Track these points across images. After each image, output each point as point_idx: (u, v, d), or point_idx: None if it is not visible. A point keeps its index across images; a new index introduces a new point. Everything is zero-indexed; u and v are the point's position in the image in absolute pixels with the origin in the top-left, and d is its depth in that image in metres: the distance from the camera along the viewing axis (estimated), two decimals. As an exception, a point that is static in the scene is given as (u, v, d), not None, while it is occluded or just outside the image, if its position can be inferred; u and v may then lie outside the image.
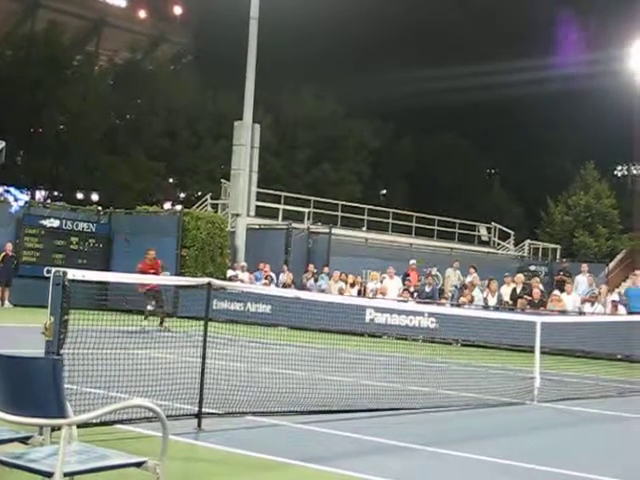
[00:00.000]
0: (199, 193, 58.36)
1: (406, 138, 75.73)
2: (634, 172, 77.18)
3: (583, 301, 28.13)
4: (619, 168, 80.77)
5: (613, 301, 27.09)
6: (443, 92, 68.56)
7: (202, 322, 10.39)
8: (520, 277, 30.57)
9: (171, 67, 75.73)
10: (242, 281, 31.67)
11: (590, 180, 61.23)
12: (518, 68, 62.64)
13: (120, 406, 6.17)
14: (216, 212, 40.69)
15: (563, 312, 26.38)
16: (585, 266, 32.51)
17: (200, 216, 36.57)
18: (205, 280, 10.70)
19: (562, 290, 29.12)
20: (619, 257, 49.09)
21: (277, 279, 33.69)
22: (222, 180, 44.30)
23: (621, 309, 26.51)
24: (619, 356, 24.55)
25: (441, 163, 75.60)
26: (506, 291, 29.45)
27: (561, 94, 67.95)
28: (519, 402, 14.28)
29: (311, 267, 34.48)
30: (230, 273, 34.06)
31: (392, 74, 69.34)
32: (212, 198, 44.27)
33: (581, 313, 26.41)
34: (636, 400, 16.33)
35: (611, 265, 46.42)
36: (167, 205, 61.36)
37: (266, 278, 33.32)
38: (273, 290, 25.51)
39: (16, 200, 43.81)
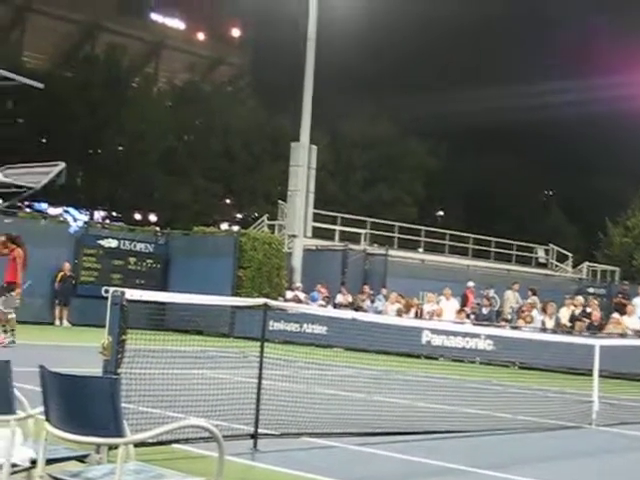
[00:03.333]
0: (256, 214, 58.60)
1: (463, 158, 75.44)
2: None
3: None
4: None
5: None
6: (500, 112, 68.26)
7: (258, 343, 10.40)
8: (579, 299, 30.30)
9: (229, 88, 76.16)
10: (301, 302, 31.70)
11: (650, 202, 60.48)
12: (577, 87, 62.28)
13: (177, 426, 6.20)
14: (273, 233, 40.76)
15: (622, 335, 26.07)
16: (640, 288, 32.14)
17: (257, 237, 36.66)
18: (261, 301, 10.73)
19: (621, 313, 28.80)
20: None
21: (334, 300, 33.66)
22: (279, 201, 44.43)
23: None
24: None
25: (498, 184, 75.21)
26: (565, 313, 29.20)
27: (621, 114, 67.31)
28: (577, 426, 14.13)
29: (367, 288, 34.40)
30: (289, 294, 34.10)
31: (448, 94, 69.19)
32: (269, 219, 44.41)
33: (641, 336, 26.09)
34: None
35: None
36: (224, 226, 61.66)
37: (323, 299, 33.32)
38: (330, 311, 25.49)
39: (75, 220, 44.19)
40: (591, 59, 68.63)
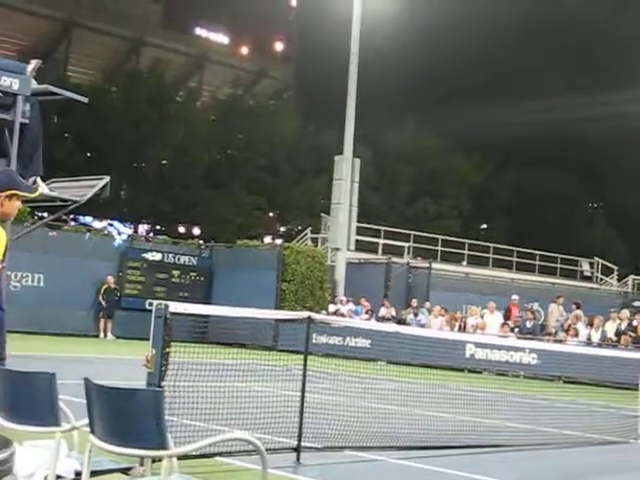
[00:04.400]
0: (299, 227, 58.70)
1: (508, 171, 75.10)
2: None
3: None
4: None
5: None
6: (546, 124, 68.01)
7: (301, 356, 10.41)
8: (625, 313, 30.06)
9: (272, 102, 76.35)
10: (343, 315, 31.69)
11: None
12: (624, 99, 61.88)
13: (220, 439, 6.21)
14: (316, 246, 40.81)
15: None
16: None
17: (300, 250, 36.74)
18: (305, 314, 10.74)
19: (667, 327, 28.55)
20: None
21: (376, 313, 33.61)
22: (322, 214, 44.48)
23: None
24: None
25: (543, 197, 74.76)
26: (610, 327, 28.98)
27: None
28: (623, 441, 14.00)
29: (413, 302, 34.30)
30: (332, 307, 34.10)
31: (493, 107, 68.99)
32: (312, 232, 44.48)
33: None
34: None
35: None
36: (267, 239, 61.78)
37: (366, 312, 33.30)
38: (373, 324, 25.47)
39: (119, 234, 44.51)
40: None
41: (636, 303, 37.98)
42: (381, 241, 43.82)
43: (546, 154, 74.29)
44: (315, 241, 43.09)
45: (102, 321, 33.67)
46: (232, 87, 75.04)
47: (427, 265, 39.25)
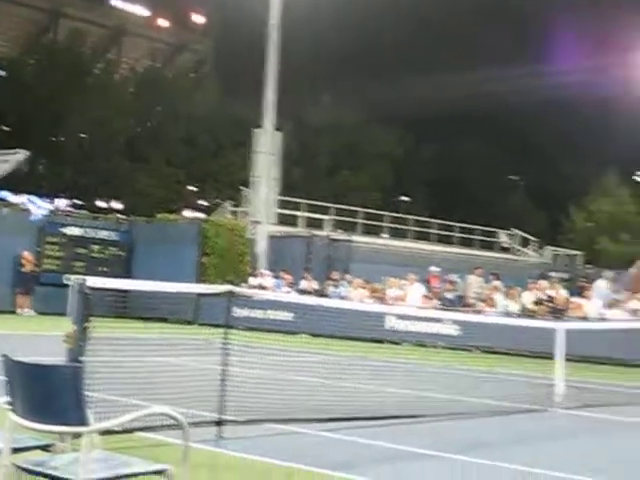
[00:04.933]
0: (219, 201, 58.50)
1: (428, 144, 75.62)
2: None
3: (604, 307, 27.97)
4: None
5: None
6: (464, 98, 68.43)
7: (222, 329, 10.39)
8: (542, 283, 30.47)
9: (191, 75, 75.81)
10: (264, 288, 31.66)
11: (611, 186, 61.03)
12: (540, 73, 62.55)
13: (141, 414, 6.18)
14: (236, 219, 40.70)
15: (585, 318, 26.26)
16: (608, 272, 32.26)
17: (220, 223, 36.63)
18: (226, 287, 10.71)
19: (583, 296, 29.00)
20: (640, 263, 48.78)
21: (298, 286, 33.66)
22: (242, 187, 44.34)
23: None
24: (641, 362, 24.41)
25: (462, 170, 75.48)
26: (528, 298, 29.37)
27: (583, 100, 67.70)
28: (540, 409, 14.23)
29: (334, 274, 34.41)
30: (254, 281, 34.05)
31: (413, 81, 69.24)
32: (232, 205, 44.32)
33: (603, 319, 26.27)
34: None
35: (632, 270, 46.13)
36: (187, 213, 61.47)
37: (288, 285, 33.33)
38: (295, 297, 25.49)
39: (38, 208, 43.89)
40: (560, 46, 68.95)
41: (553, 274, 38.54)
42: (302, 214, 43.85)
43: (466, 127, 74.94)
44: (235, 214, 42.95)
45: (20, 297, 33.23)
46: (151, 59, 74.38)
47: (348, 238, 39.40)
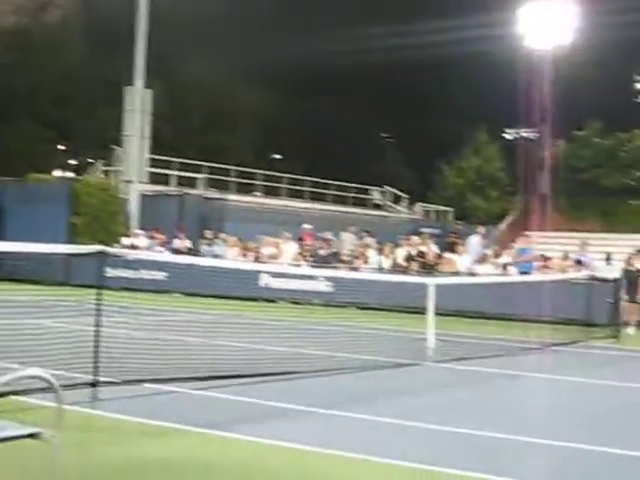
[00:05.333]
0: (91, 160, 57.54)
1: (300, 102, 75.55)
2: (523, 135, 78.20)
3: (474, 262, 28.51)
4: (509, 131, 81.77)
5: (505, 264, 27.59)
6: (336, 55, 68.45)
7: (95, 290, 10.28)
8: (414, 239, 30.88)
9: (60, 32, 74.16)
10: (137, 248, 31.35)
11: (481, 143, 62.02)
12: (410, 31, 62.82)
13: (12, 377, 6.09)
14: (108, 179, 40.17)
15: (455, 273, 26.74)
16: (480, 228, 32.81)
17: (92, 183, 36.14)
18: (98, 247, 10.59)
19: (454, 252, 29.50)
20: (509, 219, 49.89)
21: (171, 246, 33.42)
22: (114, 146, 43.71)
23: (511, 269, 26.99)
24: (509, 315, 24.96)
25: (334, 127, 75.68)
26: (400, 254, 29.74)
27: (453, 58, 68.28)
28: (413, 363, 14.48)
29: (207, 233, 34.26)
30: (126, 240, 33.67)
31: (285, 38, 69.03)
32: (104, 165, 43.69)
33: (473, 274, 26.79)
34: (526, 358, 16.69)
35: (501, 227, 47.21)
36: (58, 173, 60.33)
37: (160, 245, 33.06)
38: (168, 257, 25.34)
39: None
40: (427, 1, 69.45)
41: (425, 230, 39.10)
42: (174, 173, 43.46)
43: (337, 85, 75.02)
44: (107, 174, 42.36)
45: None
46: (16, 15, 72.41)
47: (221, 196, 39.28)
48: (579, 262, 26.23)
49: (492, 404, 11.69)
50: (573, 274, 23.78)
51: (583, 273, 23.17)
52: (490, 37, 57.62)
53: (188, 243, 33.42)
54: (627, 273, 23.43)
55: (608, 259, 26.00)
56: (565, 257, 27.79)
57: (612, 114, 55.92)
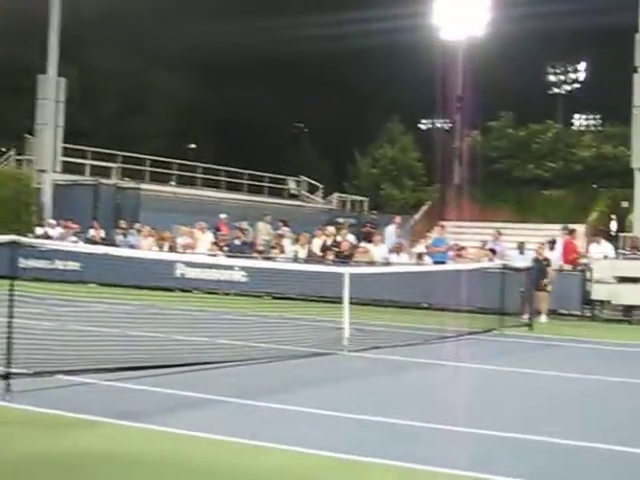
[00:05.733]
0: (3, 149, 56.66)
1: (215, 91, 75.22)
2: (438, 126, 78.95)
3: (390, 252, 28.68)
4: (424, 122, 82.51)
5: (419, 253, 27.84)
6: (251, 45, 68.38)
7: (7, 281, 10.13)
8: (330, 229, 30.96)
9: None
10: (51, 238, 30.98)
11: (396, 133, 62.44)
12: (326, 22, 62.98)
13: None
14: (21, 168, 39.64)
15: (371, 263, 26.88)
16: (396, 217, 33.01)
17: (4, 172, 35.61)
18: (10, 237, 10.43)
19: (369, 241, 29.65)
20: (424, 209, 50.28)
21: (86, 236, 33.08)
22: (26, 135, 43.10)
23: (426, 259, 27.23)
24: (424, 304, 25.22)
25: (250, 117, 75.50)
26: (316, 243, 29.80)
27: (369, 48, 68.62)
28: (329, 352, 14.54)
29: (122, 223, 33.98)
30: (40, 230, 33.26)
31: (201, 25, 68.69)
32: (16, 154, 43.06)
33: (388, 264, 26.95)
34: (440, 347, 16.86)
35: (417, 217, 47.59)
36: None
37: (75, 235, 32.70)
38: (82, 247, 25.05)
39: None
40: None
41: (340, 219, 39.30)
42: (88, 162, 43.01)
43: (252, 74, 74.93)
44: (20, 163, 41.78)
45: None
46: None
47: (136, 185, 39.01)
48: (493, 251, 26.56)
49: (408, 393, 11.79)
50: (487, 263, 24.06)
51: (496, 262, 23.45)
52: (405, 28, 58.01)
53: (103, 233, 33.11)
54: (537, 263, 23.79)
55: (521, 249, 26.36)
56: (483, 246, 28.14)
57: (525, 106, 56.83)
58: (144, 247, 30.30)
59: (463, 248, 27.90)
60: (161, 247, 30.71)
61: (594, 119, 74.04)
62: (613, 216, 45.13)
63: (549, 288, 23.70)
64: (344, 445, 8.13)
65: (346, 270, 15.90)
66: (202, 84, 73.98)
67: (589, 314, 25.14)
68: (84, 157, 43.24)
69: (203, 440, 8.23)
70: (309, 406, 9.93)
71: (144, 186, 39.91)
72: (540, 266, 23.40)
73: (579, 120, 75.14)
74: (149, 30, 68.99)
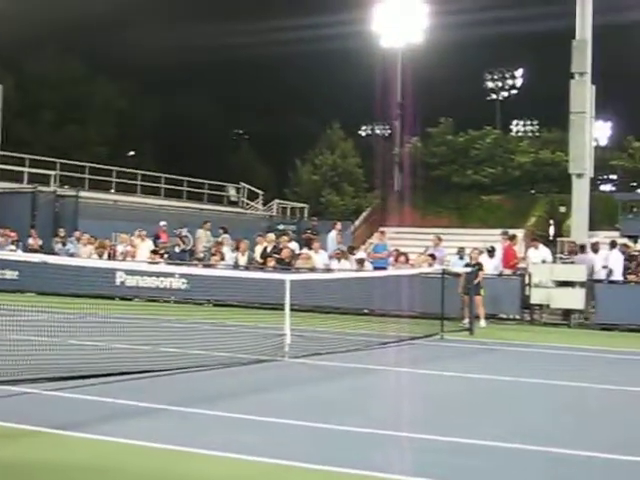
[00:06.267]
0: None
1: (153, 97, 74.90)
2: (378, 132, 79.21)
3: (331, 258, 28.72)
4: (363, 128, 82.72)
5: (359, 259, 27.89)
6: (191, 51, 68.24)
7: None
8: (270, 236, 30.93)
9: None
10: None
11: (336, 140, 62.56)
12: (266, 28, 63.00)
13: None
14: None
15: (312, 270, 26.89)
16: (338, 224, 33.04)
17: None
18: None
19: (310, 248, 29.66)
20: (364, 215, 50.45)
21: (24, 244, 32.73)
22: (-37, 144, 42.60)
23: (367, 265, 27.31)
24: (365, 310, 25.29)
25: (189, 123, 75.27)
26: (257, 250, 29.76)
27: (309, 55, 68.75)
28: (271, 359, 14.53)
29: (61, 231, 33.67)
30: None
31: (139, 32, 68.42)
32: (-47, 162, 42.54)
33: (329, 270, 26.99)
34: (381, 352, 16.91)
35: (357, 223, 47.73)
36: None
37: (12, 243, 32.36)
38: (20, 255, 24.83)
39: None
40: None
41: (281, 226, 39.28)
42: (26, 169, 42.56)
43: (192, 80, 74.78)
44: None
45: None
46: None
47: (75, 193, 38.69)
48: (433, 257, 26.70)
49: (347, 398, 11.80)
50: (427, 269, 24.17)
51: (437, 268, 23.56)
52: (345, 35, 58.23)
53: (41, 241, 32.78)
54: (470, 267, 23.93)
55: (461, 254, 26.53)
56: (423, 252, 28.27)
57: (464, 112, 57.23)
58: (83, 255, 30.08)
59: (403, 254, 28.00)
60: (101, 255, 30.50)
61: (532, 125, 74.67)
62: (551, 221, 45.64)
63: (480, 291, 23.83)
64: (288, 451, 8.13)
65: (287, 277, 15.90)
66: (141, 91, 73.61)
67: (528, 318, 25.40)
68: (22, 165, 42.80)
69: (145, 449, 8.19)
70: (251, 413, 9.91)
71: (83, 194, 39.57)
72: (474, 271, 23.56)
73: (517, 126, 75.74)
74: (88, 38, 68.60)
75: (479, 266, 24.23)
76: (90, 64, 68.84)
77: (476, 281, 23.39)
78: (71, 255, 29.97)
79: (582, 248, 27.14)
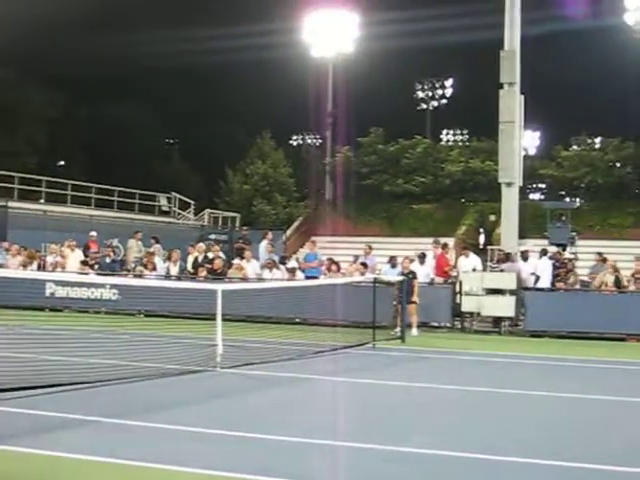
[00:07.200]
0: None
1: (83, 106, 74.26)
2: (308, 142, 79.35)
3: (262, 267, 28.71)
4: (294, 137, 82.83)
5: (289, 268, 27.91)
6: (121, 59, 67.71)
7: None
8: (201, 246, 30.82)
9: None
10: None
11: (267, 149, 62.50)
12: (196, 36, 62.70)
13: None
14: None
15: (244, 279, 26.87)
16: (269, 233, 32.98)
17: None
18: None
19: (242, 258, 29.60)
20: (296, 224, 50.49)
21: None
22: None
23: (299, 274, 27.35)
24: (297, 319, 25.32)
25: (120, 132, 74.68)
26: (188, 260, 29.66)
27: (239, 64, 68.65)
28: (203, 369, 14.48)
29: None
30: None
31: (69, 40, 67.78)
32: None
33: (261, 280, 26.98)
34: (314, 361, 16.94)
35: (288, 232, 47.72)
36: None
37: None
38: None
39: None
40: (219, 8, 69.57)
41: (212, 236, 39.12)
42: (-46, 180, 42.05)
43: (121, 89, 74.26)
44: None
45: None
46: None
47: (3, 203, 38.22)
48: (364, 265, 26.78)
49: (283, 408, 11.81)
50: (358, 277, 24.25)
51: (368, 276, 23.64)
52: (276, 45, 58.16)
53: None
54: (404, 276, 24.08)
55: (393, 262, 26.68)
56: (355, 261, 28.37)
57: (395, 121, 57.53)
58: (12, 266, 29.71)
59: (335, 263, 28.08)
60: (30, 266, 30.15)
61: (462, 134, 75.35)
62: (481, 229, 46.04)
63: (415, 299, 23.96)
64: (221, 462, 8.11)
65: (219, 287, 15.86)
66: (71, 99, 72.93)
67: (459, 326, 25.61)
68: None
69: (73, 461, 8.11)
70: (185, 424, 9.87)
71: (12, 204, 39.09)
72: (407, 279, 23.70)
73: (447, 135, 76.39)
74: (18, 44, 67.76)
75: (413, 275, 24.38)
76: (22, 72, 68.06)
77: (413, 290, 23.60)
78: (0, 266, 29.60)
79: (507, 256, 27.46)
